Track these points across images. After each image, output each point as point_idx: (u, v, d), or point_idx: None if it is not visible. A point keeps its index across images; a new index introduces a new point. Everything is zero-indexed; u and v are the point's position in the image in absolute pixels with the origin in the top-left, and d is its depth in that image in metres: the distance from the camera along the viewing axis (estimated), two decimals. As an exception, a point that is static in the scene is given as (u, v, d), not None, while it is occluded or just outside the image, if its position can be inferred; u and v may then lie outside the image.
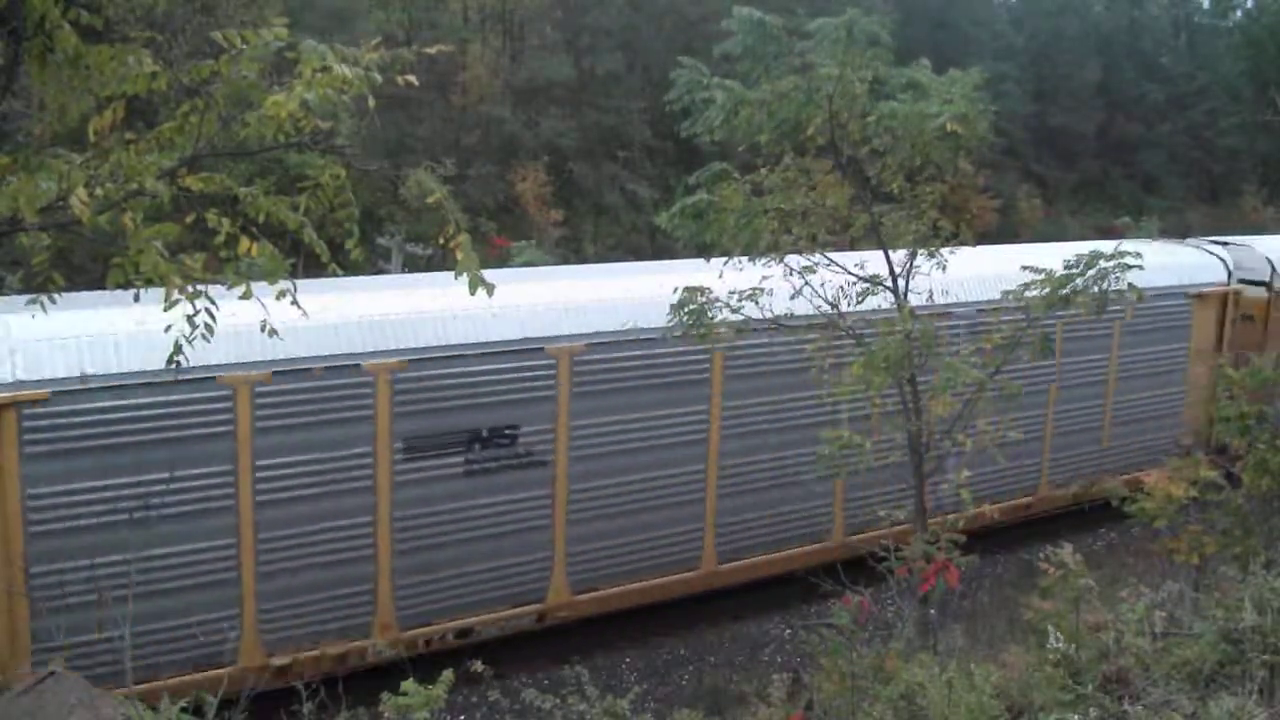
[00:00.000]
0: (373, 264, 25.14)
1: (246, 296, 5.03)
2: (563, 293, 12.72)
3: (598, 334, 12.40)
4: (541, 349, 12.01)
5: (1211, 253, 18.34)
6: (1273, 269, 18.40)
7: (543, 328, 12.13)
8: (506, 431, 11.99)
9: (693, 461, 13.23)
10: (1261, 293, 18.46)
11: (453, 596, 11.89)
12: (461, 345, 11.62)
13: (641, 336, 12.47)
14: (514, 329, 11.90)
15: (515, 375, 11.89)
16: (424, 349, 11.41)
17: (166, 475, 10.15)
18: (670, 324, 10.74)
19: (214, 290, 5.18)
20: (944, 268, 10.49)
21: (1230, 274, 17.94)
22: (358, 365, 11.06)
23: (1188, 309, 17.30)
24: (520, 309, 12.10)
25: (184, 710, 6.18)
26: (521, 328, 11.97)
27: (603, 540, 12.75)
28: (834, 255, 10.74)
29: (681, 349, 12.54)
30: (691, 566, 13.38)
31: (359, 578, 11.37)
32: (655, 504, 13.04)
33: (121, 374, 10.04)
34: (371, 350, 11.15)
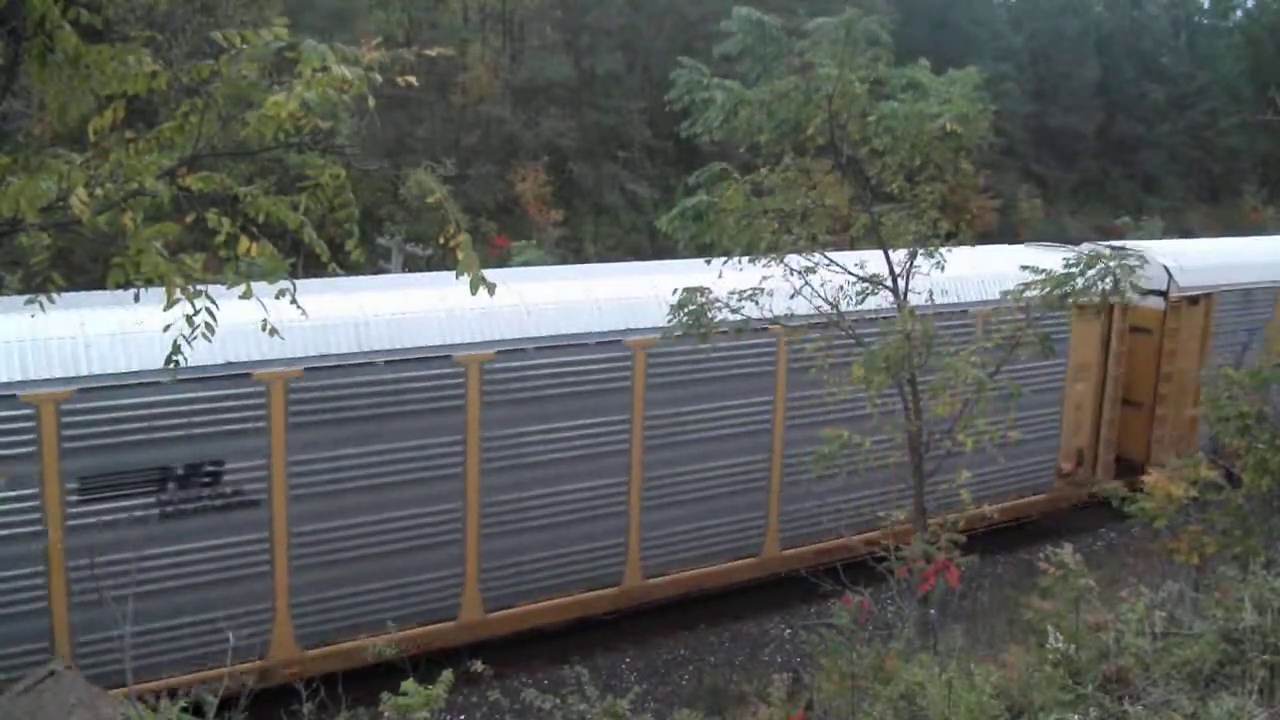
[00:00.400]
0: (373, 264, 25.15)
1: (246, 296, 5.03)
2: (276, 311, 11.18)
3: (321, 357, 10.99)
4: (248, 375, 10.67)
5: None
6: (1169, 277, 16.90)
7: (249, 351, 10.68)
8: (208, 469, 10.69)
9: (448, 499, 11.82)
10: (1158, 303, 16.99)
11: (153, 654, 10.48)
12: (144, 371, 10.26)
13: (378, 359, 11.24)
14: (214, 352, 10.23)
15: (217, 405, 10.59)
16: (97, 376, 10.12)
17: None
18: (670, 324, 10.73)
19: None
20: (943, 267, 10.50)
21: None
22: (13, 396, 9.86)
23: (1063, 322, 15.40)
24: (222, 329, 11.05)
25: (184, 710, 6.18)
26: (224, 350, 10.46)
27: (338, 589, 11.39)
28: (834, 255, 10.74)
29: (427, 373, 11.46)
30: (451, 616, 11.97)
31: (31, 634, 10.14)
32: (401, 547, 11.65)
33: None
34: (30, 379, 9.88)
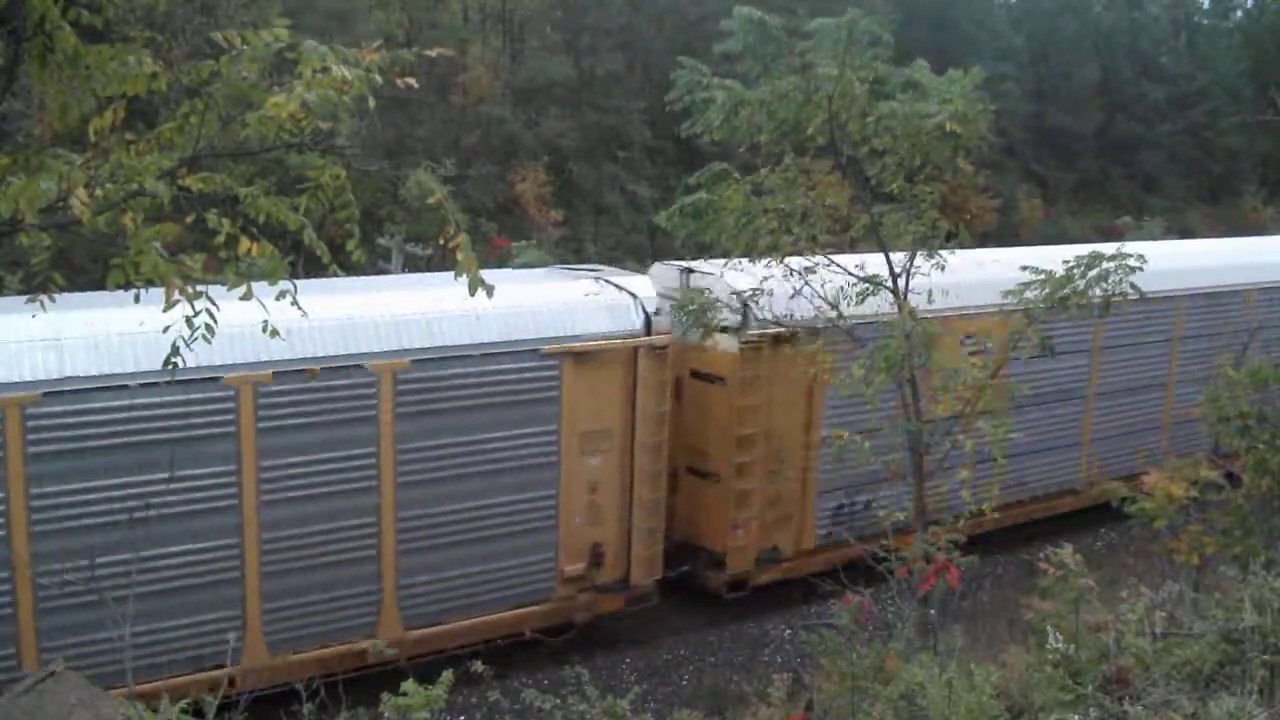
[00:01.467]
0: (373, 264, 25.16)
1: (247, 297, 5.03)
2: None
3: None
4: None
5: (618, 286, 12.35)
6: (745, 308, 12.28)
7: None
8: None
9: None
10: (730, 344, 12.59)
11: None
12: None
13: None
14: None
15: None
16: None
17: None
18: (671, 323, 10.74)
19: None
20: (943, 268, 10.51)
21: (650, 317, 12.14)
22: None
23: (551, 375, 11.67)
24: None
25: (184, 711, 6.18)
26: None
27: None
28: (833, 256, 10.76)
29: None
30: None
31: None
32: None
33: None
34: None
